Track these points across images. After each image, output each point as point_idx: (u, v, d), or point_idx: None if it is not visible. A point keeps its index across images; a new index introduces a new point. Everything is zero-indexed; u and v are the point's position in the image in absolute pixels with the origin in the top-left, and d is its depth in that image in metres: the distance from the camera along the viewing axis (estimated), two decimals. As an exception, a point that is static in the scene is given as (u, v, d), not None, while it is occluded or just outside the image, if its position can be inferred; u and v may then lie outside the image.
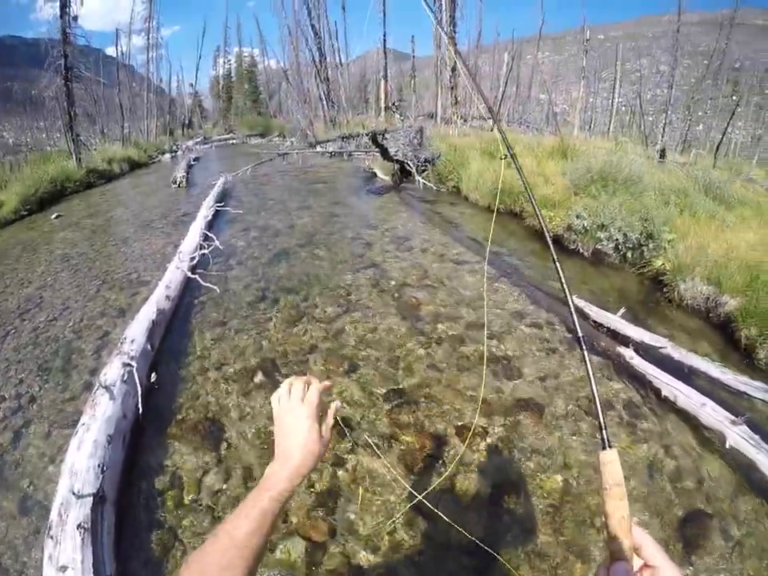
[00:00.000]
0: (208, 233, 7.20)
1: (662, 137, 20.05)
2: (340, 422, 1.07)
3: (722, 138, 16.85)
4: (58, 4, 14.29)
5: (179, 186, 13.03)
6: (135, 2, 28.74)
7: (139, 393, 3.24)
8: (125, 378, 3.28)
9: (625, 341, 4.07)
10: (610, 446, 0.77)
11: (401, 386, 3.68)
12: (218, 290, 5.32)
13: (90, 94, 24.48)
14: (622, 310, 4.38)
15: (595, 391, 0.91)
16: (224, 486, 2.82)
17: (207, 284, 5.38)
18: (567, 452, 2.99)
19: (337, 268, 6.09)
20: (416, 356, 4.08)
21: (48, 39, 15.00)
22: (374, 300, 5.13)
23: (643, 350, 3.91)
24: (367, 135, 13.86)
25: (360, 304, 5.04)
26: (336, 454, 3.01)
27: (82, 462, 2.56)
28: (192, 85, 43.78)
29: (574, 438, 3.12)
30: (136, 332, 3.87)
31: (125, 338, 3.75)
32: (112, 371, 3.31)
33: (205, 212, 8.35)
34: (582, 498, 2.69)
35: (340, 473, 2.89)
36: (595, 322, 4.48)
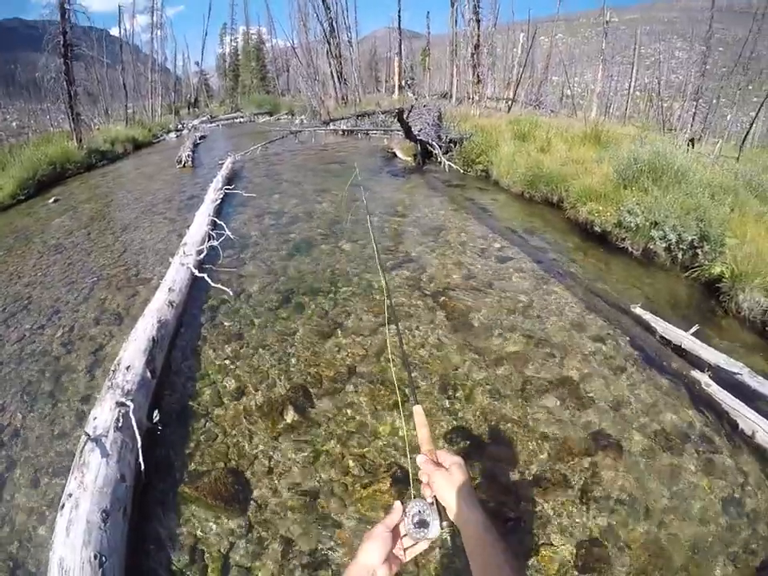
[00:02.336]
0: (217, 219, 6.45)
1: (691, 126, 19.08)
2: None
3: (750, 129, 15.91)
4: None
5: (184, 166, 12.36)
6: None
7: (139, 443, 2.48)
8: (119, 423, 2.54)
9: (697, 362, 3.66)
10: (416, 403, 1.14)
11: (462, 424, 3.02)
12: (231, 293, 4.55)
13: (93, 74, 23.83)
14: (695, 328, 3.86)
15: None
16: (257, 564, 2.22)
17: (218, 285, 4.59)
18: (649, 497, 2.61)
19: (367, 265, 5.30)
20: (474, 381, 3.41)
21: (48, 20, 14.39)
22: (416, 306, 4.38)
23: (715, 373, 3.48)
24: (387, 113, 13.07)
25: (400, 311, 4.26)
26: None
27: (73, 554, 1.95)
28: (198, 63, 43.00)
29: (655, 475, 2.73)
30: (132, 355, 3.11)
31: (118, 364, 2.98)
32: (103, 414, 2.57)
33: (213, 195, 7.60)
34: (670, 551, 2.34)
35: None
36: (662, 337, 4.02)
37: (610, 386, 3.40)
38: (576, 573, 2.22)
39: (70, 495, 2.17)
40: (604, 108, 29.46)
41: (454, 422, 3.02)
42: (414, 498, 0.99)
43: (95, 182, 11.64)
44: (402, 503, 0.96)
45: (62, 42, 14.01)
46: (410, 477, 1.13)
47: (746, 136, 13.88)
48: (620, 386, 3.41)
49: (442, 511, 0.95)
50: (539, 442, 2.90)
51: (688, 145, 9.87)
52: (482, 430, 2.97)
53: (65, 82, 14.33)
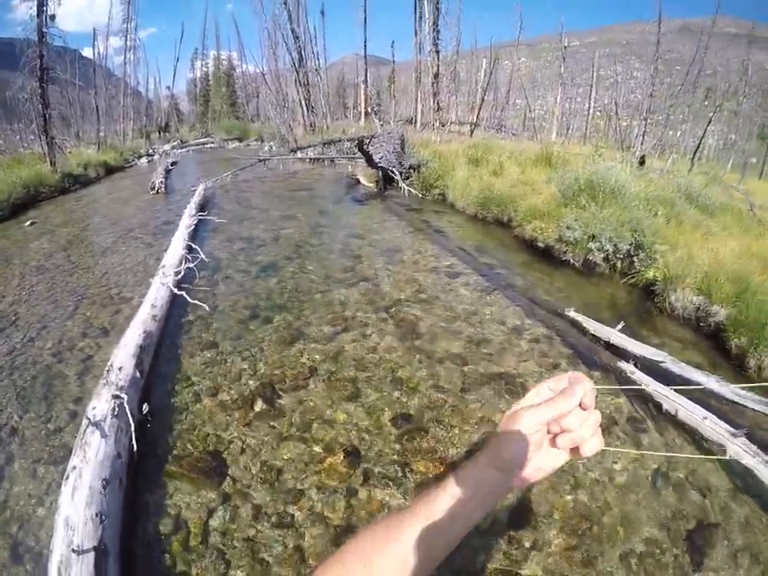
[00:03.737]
0: (192, 244, 6.95)
1: (642, 144, 20.32)
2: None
3: (699, 144, 17.10)
4: (35, 3, 13.84)
5: (157, 192, 12.68)
6: (113, 2, 28.11)
7: (132, 428, 3.01)
8: (115, 411, 3.06)
9: (624, 355, 4.09)
10: None
11: (407, 411, 3.55)
12: (207, 308, 5.07)
13: (66, 96, 23.90)
14: (621, 324, 4.36)
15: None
16: (233, 527, 2.64)
17: (195, 301, 5.12)
18: (575, 472, 2.95)
19: (328, 282, 5.91)
20: (419, 377, 3.95)
21: (24, 39, 14.55)
22: (370, 317, 4.97)
23: (642, 364, 3.92)
24: (351, 141, 13.77)
25: (356, 322, 4.87)
26: (348, 486, 2.89)
27: (78, 513, 2.33)
28: (169, 87, 43.28)
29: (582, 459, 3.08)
30: (123, 358, 3.64)
31: (111, 366, 3.51)
32: (101, 404, 3.08)
33: (187, 221, 8.09)
34: (594, 516, 2.68)
35: (354, 503, 2.77)
36: (593, 335, 4.49)
37: (543, 378, 3.92)
38: (509, 533, 2.58)
39: (74, 467, 2.57)
40: (564, 129, 30.64)
41: (401, 410, 3.53)
42: None
43: (70, 206, 11.89)
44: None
45: (38, 65, 14.21)
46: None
47: (695, 151, 14.95)
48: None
49: None
50: (474, 425, 3.37)
51: (640, 162, 10.71)
52: (425, 415, 3.47)
53: (40, 105, 14.52)
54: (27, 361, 4.39)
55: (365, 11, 26.32)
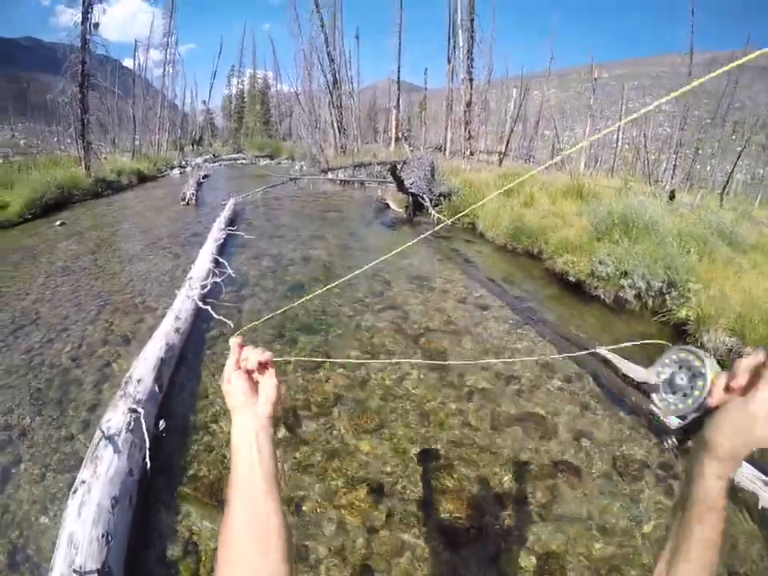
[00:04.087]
0: (219, 258, 6.87)
1: (672, 178, 20.00)
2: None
3: (729, 179, 16.73)
4: (80, 10, 14.24)
5: (188, 203, 12.82)
6: (155, 15, 29.02)
7: (147, 444, 2.85)
8: (130, 426, 2.90)
9: None
10: None
11: (434, 447, 3.36)
12: (232, 325, 4.93)
13: (105, 104, 24.51)
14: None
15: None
16: None
17: (220, 316, 5.00)
18: (606, 517, 2.80)
19: (356, 307, 5.74)
20: (447, 412, 3.76)
21: (67, 44, 14.99)
22: (399, 346, 4.79)
23: None
24: (382, 165, 13.78)
25: (384, 349, 4.69)
26: (370, 524, 2.70)
27: (84, 531, 2.18)
28: (205, 102, 44.28)
29: (614, 502, 2.92)
30: (143, 371, 3.49)
31: (130, 378, 3.36)
32: (116, 417, 2.93)
33: (216, 235, 8.05)
34: (625, 565, 2.52)
35: (374, 544, 2.57)
36: (625, 375, 4.25)
37: (573, 420, 3.67)
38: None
39: (83, 482, 2.43)
40: (592, 161, 30.43)
41: (427, 445, 3.34)
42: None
43: (101, 210, 12.06)
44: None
45: (80, 71, 14.65)
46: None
47: (725, 186, 14.60)
48: (583, 419, 3.70)
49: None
50: (504, 465, 3.17)
51: (669, 196, 10.49)
52: (452, 452, 3.28)
53: (78, 110, 14.93)
54: (44, 362, 4.31)
55: (399, 37, 26.74)
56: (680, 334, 5.24)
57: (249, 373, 0.80)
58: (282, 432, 3.43)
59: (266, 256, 7.89)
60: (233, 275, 6.29)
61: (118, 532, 2.33)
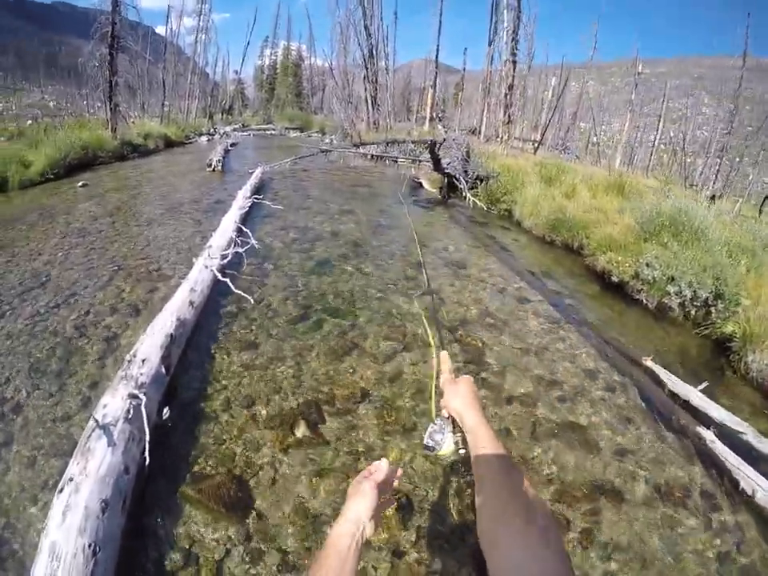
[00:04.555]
0: (243, 227, 6.46)
1: (714, 183, 19.12)
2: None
3: None
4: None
5: (214, 170, 12.50)
6: (191, -18, 28.67)
7: (147, 437, 2.43)
8: (129, 414, 2.49)
9: (703, 419, 3.62)
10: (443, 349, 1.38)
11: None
12: (252, 301, 4.50)
13: (135, 68, 24.34)
14: (704, 384, 3.83)
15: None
16: (252, 573, 2.16)
17: (239, 291, 4.56)
18: (647, 547, 2.55)
19: (387, 291, 5.27)
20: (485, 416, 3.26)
21: (99, 10, 14.97)
22: (434, 338, 4.30)
23: (720, 431, 3.44)
24: (416, 143, 13.22)
25: (417, 340, 4.21)
26: (396, 544, 2.33)
27: (68, 540, 1.87)
28: (236, 72, 43.82)
29: (653, 527, 2.67)
30: (149, 349, 3.07)
31: (134, 356, 2.94)
32: (114, 404, 2.52)
33: (241, 202, 7.64)
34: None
35: (400, 566, 2.24)
36: (671, 392, 3.95)
37: (616, 435, 3.34)
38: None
39: (71, 479, 2.11)
40: (628, 158, 29.58)
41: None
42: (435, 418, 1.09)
43: (125, 173, 11.78)
44: (389, 461, 1.01)
45: (109, 33, 14.54)
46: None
47: (766, 197, 13.87)
48: (627, 435, 3.38)
49: (455, 427, 1.04)
50: (543, 482, 2.84)
51: (710, 202, 9.89)
52: None
53: (107, 72, 14.80)
54: (48, 329, 3.99)
55: (440, 15, 25.89)
56: (722, 350, 4.83)
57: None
58: (302, 428, 3.00)
59: (293, 228, 7.45)
60: (256, 246, 5.84)
61: (107, 540, 2.00)
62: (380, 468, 1.00)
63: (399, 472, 1.07)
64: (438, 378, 1.25)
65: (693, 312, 5.52)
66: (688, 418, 3.61)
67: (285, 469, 2.70)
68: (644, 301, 5.90)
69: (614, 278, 6.36)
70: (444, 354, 1.33)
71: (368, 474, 1.00)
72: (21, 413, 3.01)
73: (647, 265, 5.93)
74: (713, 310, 5.34)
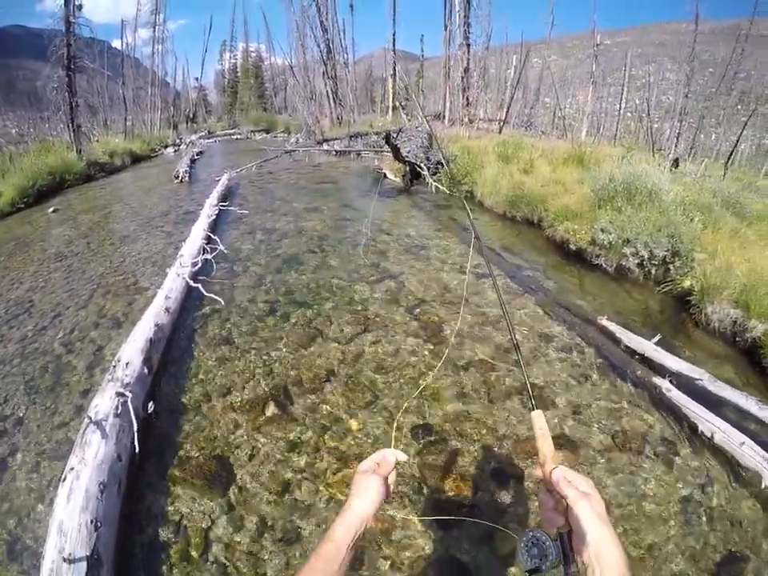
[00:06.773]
0: (211, 234, 6.77)
1: (675, 146, 19.60)
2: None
3: (734, 149, 16.37)
4: (62, -7, 13.95)
5: (181, 181, 12.69)
6: (142, -7, 28.34)
7: (135, 429, 2.80)
8: (118, 410, 2.85)
9: (660, 370, 3.80)
10: (535, 408, 1.05)
11: (429, 422, 3.29)
12: (223, 302, 4.85)
13: (94, 86, 24.16)
14: (658, 337, 4.06)
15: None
16: (236, 538, 2.46)
17: (211, 294, 4.91)
18: (605, 490, 2.73)
19: (351, 279, 5.64)
20: (443, 385, 3.67)
21: (53, 30, 14.89)
22: (394, 317, 4.70)
23: (677, 380, 3.62)
24: (379, 135, 13.49)
25: (378, 322, 4.60)
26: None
27: (72, 518, 2.18)
28: (197, 79, 43.54)
29: (613, 475, 2.87)
30: (131, 353, 3.43)
31: (118, 361, 3.31)
32: (104, 402, 2.88)
33: (208, 211, 7.93)
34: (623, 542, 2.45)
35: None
36: (627, 347, 4.18)
37: (572, 392, 3.58)
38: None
39: (72, 469, 2.42)
40: (595, 129, 29.86)
41: (422, 420, 3.27)
42: (533, 528, 0.87)
43: (94, 193, 11.96)
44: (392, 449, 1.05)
45: (65, 54, 14.48)
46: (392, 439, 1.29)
47: (730, 155, 14.28)
48: (583, 392, 3.61)
49: (570, 550, 0.81)
50: (499, 439, 3.10)
51: (672, 165, 10.22)
52: (446, 426, 3.22)
53: (67, 94, 14.80)
54: (38, 350, 4.31)
55: (394, 5, 26.01)
56: (683, 304, 5.12)
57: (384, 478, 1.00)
58: (272, 408, 3.39)
59: (260, 230, 7.77)
60: (225, 251, 6.19)
61: (107, 518, 2.33)
62: (387, 461, 1.00)
63: (404, 457, 1.06)
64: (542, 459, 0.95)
65: (653, 271, 5.78)
66: (644, 370, 3.80)
67: (259, 445, 3.05)
68: (603, 265, 6.18)
69: (572, 247, 6.67)
70: (539, 415, 1.03)
71: (375, 466, 1.00)
72: (22, 425, 3.33)
73: (602, 230, 6.20)
74: (671, 267, 5.62)
